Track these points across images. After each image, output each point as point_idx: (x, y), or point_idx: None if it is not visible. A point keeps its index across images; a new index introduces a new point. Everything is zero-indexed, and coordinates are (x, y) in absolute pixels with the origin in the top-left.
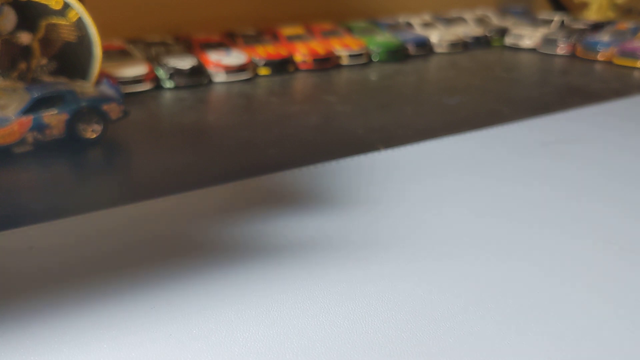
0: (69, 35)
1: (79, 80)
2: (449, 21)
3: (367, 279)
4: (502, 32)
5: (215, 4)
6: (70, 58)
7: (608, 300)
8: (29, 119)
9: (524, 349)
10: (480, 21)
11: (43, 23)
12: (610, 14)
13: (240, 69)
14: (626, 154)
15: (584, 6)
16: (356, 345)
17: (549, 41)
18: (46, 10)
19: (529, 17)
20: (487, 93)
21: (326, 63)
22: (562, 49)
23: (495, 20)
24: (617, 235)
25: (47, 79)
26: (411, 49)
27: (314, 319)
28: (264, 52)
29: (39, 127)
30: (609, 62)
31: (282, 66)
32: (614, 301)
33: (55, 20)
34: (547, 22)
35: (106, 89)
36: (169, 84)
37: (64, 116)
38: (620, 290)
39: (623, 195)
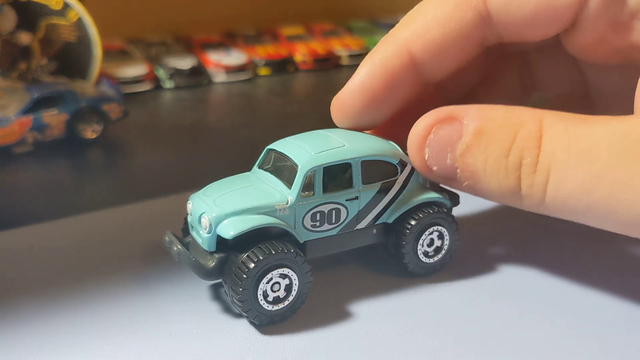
0: (69, 35)
1: (79, 80)
2: None
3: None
4: None
5: (215, 4)
6: (70, 58)
7: None
8: (29, 119)
9: None
10: None
11: (43, 23)
12: None
13: (240, 69)
14: None
15: None
16: (359, 344)
17: None
18: (46, 10)
19: None
20: None
21: (326, 63)
22: None
23: None
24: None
25: (47, 79)
26: None
27: (314, 318)
28: (264, 52)
29: (39, 127)
30: None
31: (282, 66)
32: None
33: (55, 20)
34: None
35: (106, 89)
36: (169, 84)
37: (64, 116)
38: None
39: None
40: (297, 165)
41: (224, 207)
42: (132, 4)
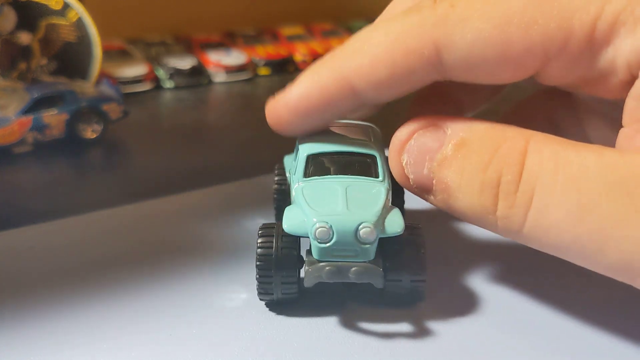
0: (69, 35)
1: (79, 80)
2: None
3: None
4: None
5: (215, 4)
6: (70, 58)
7: None
8: (28, 119)
9: None
10: None
11: (43, 23)
12: None
13: (240, 69)
14: None
15: None
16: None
17: None
18: (46, 10)
19: None
20: None
21: None
22: None
23: None
24: None
25: (47, 79)
26: None
27: (314, 318)
28: (264, 52)
29: (39, 127)
30: None
31: (282, 66)
32: None
33: (55, 20)
34: None
35: (106, 89)
36: (169, 84)
37: (64, 116)
38: None
39: None
40: (373, 155)
41: (367, 212)
42: (132, 4)
